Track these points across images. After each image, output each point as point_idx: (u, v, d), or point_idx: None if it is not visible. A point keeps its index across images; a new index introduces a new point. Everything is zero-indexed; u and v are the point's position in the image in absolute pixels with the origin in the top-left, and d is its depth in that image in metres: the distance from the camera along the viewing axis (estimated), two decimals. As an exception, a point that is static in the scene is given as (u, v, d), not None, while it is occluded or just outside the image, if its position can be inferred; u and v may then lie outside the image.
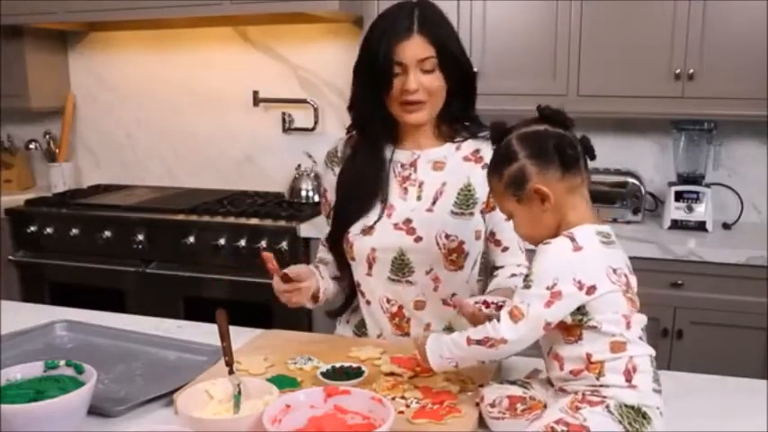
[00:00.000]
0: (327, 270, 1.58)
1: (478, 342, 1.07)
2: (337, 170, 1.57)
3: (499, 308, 1.21)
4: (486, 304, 1.25)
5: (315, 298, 1.50)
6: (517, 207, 1.09)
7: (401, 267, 1.47)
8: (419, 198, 1.49)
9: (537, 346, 1.09)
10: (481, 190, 1.46)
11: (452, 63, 1.43)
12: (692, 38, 2.46)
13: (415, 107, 1.43)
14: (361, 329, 1.58)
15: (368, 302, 1.54)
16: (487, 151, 1.46)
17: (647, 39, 2.51)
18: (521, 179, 1.07)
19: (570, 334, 1.04)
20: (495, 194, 1.13)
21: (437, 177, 1.49)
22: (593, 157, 1.10)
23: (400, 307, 1.51)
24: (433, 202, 1.48)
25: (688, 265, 2.36)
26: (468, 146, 1.50)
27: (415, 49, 1.39)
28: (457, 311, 1.26)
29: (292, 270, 1.44)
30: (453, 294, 1.44)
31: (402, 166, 1.51)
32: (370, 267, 1.50)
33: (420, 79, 1.41)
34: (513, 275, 1.43)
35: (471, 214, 1.47)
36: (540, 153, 1.06)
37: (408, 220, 1.47)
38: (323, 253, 1.63)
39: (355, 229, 1.49)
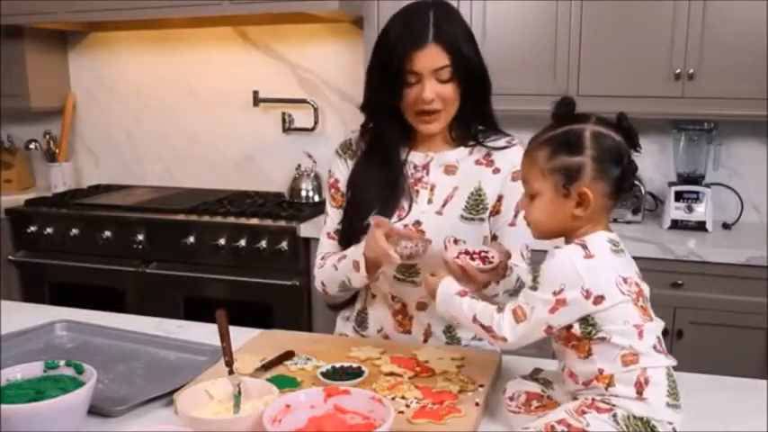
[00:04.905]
0: None
1: (482, 327, 1.08)
2: (351, 163, 1.53)
3: (483, 259, 1.22)
4: (469, 254, 1.23)
5: None
6: (549, 193, 1.04)
7: (407, 267, 1.46)
8: (430, 201, 1.46)
9: (538, 345, 1.09)
10: (491, 195, 1.44)
11: (467, 68, 1.38)
12: (692, 38, 2.46)
13: (431, 117, 1.40)
14: (361, 326, 1.57)
15: (373, 296, 1.54)
16: (499, 157, 1.46)
17: (647, 39, 2.51)
18: (574, 174, 1.02)
19: (580, 351, 1.02)
20: (532, 167, 1.06)
21: (449, 181, 1.46)
22: (630, 189, 1.09)
23: (404, 305, 1.50)
24: (443, 206, 1.45)
25: (688, 265, 2.36)
26: (481, 150, 1.47)
27: (430, 58, 1.34)
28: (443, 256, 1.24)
29: None
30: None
31: (415, 167, 1.49)
32: None
33: (436, 89, 1.36)
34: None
35: (482, 220, 1.44)
36: (606, 163, 1.01)
37: (418, 222, 1.45)
38: (328, 247, 1.55)
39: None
